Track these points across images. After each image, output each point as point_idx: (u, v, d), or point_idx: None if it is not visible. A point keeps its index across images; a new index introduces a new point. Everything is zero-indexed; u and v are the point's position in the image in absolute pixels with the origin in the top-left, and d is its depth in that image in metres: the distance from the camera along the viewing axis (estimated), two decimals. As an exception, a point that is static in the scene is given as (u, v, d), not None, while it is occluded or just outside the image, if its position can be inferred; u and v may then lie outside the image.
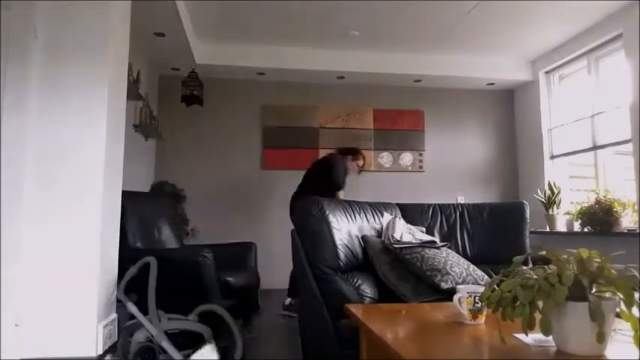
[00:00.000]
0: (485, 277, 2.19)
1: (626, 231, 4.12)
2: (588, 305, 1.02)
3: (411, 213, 2.67)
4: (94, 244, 2.61)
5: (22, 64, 2.60)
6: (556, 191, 4.99)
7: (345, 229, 2.22)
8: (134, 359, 2.39)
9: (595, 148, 4.80)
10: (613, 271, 1.09)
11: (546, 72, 5.54)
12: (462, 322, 1.44)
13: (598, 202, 4.32)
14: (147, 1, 3.59)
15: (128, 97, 3.40)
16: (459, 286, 1.50)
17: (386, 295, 2.13)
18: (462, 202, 4.98)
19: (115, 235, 2.93)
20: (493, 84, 5.87)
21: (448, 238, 2.62)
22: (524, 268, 1.19)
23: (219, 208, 5.44)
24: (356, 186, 5.61)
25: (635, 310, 1.02)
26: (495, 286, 1.18)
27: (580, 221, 4.51)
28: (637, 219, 4.19)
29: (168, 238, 3.63)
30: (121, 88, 3.07)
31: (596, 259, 1.12)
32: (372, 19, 4.54)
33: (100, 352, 2.57)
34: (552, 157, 5.45)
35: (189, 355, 2.59)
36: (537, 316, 1.07)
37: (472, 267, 2.24)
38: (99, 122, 2.68)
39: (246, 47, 5.16)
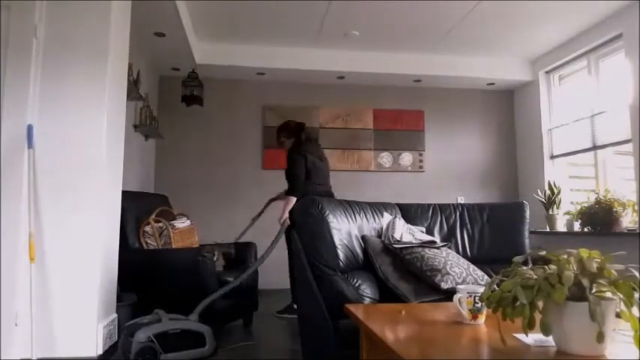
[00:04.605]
0: (485, 277, 2.19)
1: (626, 231, 4.12)
2: (588, 305, 1.02)
3: (411, 213, 2.66)
4: (94, 245, 2.61)
5: (22, 64, 2.60)
6: (556, 191, 4.99)
7: (345, 229, 2.22)
8: (135, 359, 2.40)
9: (595, 148, 4.80)
10: (613, 271, 1.09)
11: (546, 72, 5.54)
12: (462, 322, 1.44)
13: (598, 202, 4.32)
14: (147, 1, 3.60)
15: (128, 97, 3.41)
16: (459, 286, 1.50)
17: (386, 295, 2.13)
18: (462, 202, 4.99)
19: (115, 235, 2.93)
20: (493, 84, 5.87)
21: (448, 238, 2.62)
22: (524, 268, 1.19)
23: (220, 208, 5.45)
24: (356, 186, 5.62)
25: (635, 310, 1.02)
26: (495, 286, 1.18)
27: (580, 221, 4.51)
28: (637, 219, 4.19)
29: (168, 238, 3.63)
30: (121, 88, 3.07)
31: (596, 259, 1.12)
32: (372, 19, 4.54)
33: (100, 352, 2.58)
34: (552, 157, 5.45)
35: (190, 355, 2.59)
36: (537, 316, 1.07)
37: (472, 267, 2.24)
38: (99, 122, 2.68)
39: (246, 47, 5.16)
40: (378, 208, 2.55)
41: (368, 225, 2.40)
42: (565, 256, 1.14)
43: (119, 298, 2.90)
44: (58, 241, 2.55)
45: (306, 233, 2.15)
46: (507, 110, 6.12)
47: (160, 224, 3.41)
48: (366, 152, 5.80)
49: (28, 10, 2.62)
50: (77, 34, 2.70)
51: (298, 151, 3.98)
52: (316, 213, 2.14)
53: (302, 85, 5.76)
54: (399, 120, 5.90)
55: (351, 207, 2.40)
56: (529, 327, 1.07)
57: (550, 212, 4.96)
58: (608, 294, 1.07)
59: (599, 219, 4.25)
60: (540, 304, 1.07)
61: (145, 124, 4.56)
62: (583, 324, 1.03)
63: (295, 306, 4.01)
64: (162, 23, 4.11)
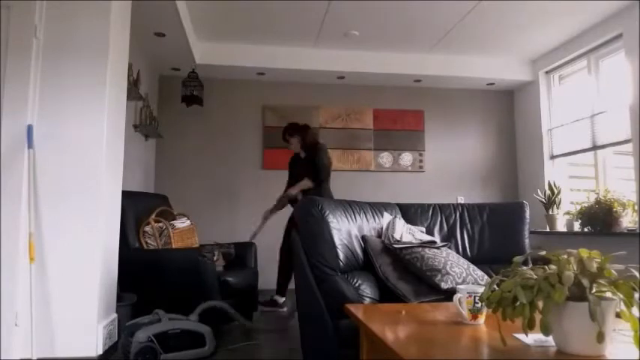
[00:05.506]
0: (485, 277, 2.19)
1: (626, 231, 4.12)
2: (588, 305, 1.02)
3: (411, 213, 2.66)
4: (94, 245, 2.61)
5: (22, 64, 2.60)
6: (556, 191, 4.99)
7: (345, 229, 2.22)
8: (135, 359, 2.40)
9: (595, 148, 4.80)
10: (613, 271, 1.09)
11: (546, 72, 5.54)
12: (462, 322, 1.44)
13: (598, 202, 4.32)
14: (147, 1, 3.60)
15: (128, 97, 3.41)
16: (459, 286, 1.50)
17: (386, 295, 2.13)
18: (462, 202, 4.99)
19: (116, 235, 2.93)
20: (493, 84, 5.87)
21: (448, 238, 2.62)
22: (524, 268, 1.19)
23: (220, 208, 5.45)
24: (356, 186, 5.62)
25: (635, 310, 1.02)
26: (495, 286, 1.18)
27: (580, 221, 4.51)
28: (637, 219, 4.19)
29: (168, 238, 3.63)
30: (121, 88, 3.07)
31: (596, 259, 1.12)
32: (372, 19, 4.54)
33: (100, 352, 2.58)
34: (552, 157, 5.45)
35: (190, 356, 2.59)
36: (537, 316, 1.07)
37: (472, 267, 2.24)
38: (99, 122, 2.68)
39: (246, 47, 5.16)
40: (378, 208, 2.55)
41: (368, 225, 2.40)
42: (565, 256, 1.14)
43: (119, 298, 2.90)
44: (58, 241, 2.55)
45: (306, 233, 2.15)
46: (507, 110, 6.12)
47: (160, 224, 3.41)
48: (366, 152, 5.80)
49: (28, 10, 2.62)
50: (77, 34, 2.70)
51: (322, 144, 4.28)
52: (316, 213, 2.14)
53: (302, 85, 5.76)
54: (399, 120, 5.90)
55: (351, 207, 2.40)
56: (529, 327, 1.07)
57: (550, 212, 4.96)
58: (608, 294, 1.07)
59: (599, 219, 4.25)
60: (540, 304, 1.07)
61: (145, 124, 4.56)
62: (583, 324, 1.03)
63: (279, 299, 4.07)
64: (162, 23, 4.11)
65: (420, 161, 5.89)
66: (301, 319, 2.37)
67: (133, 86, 4.04)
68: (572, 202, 5.05)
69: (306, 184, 4.09)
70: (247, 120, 5.65)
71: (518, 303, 1.08)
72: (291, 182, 4.27)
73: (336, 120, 5.79)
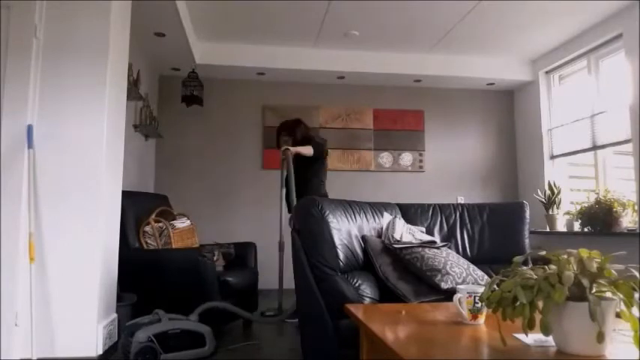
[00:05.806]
0: (485, 277, 2.19)
1: (626, 231, 4.12)
2: (588, 305, 1.02)
3: (411, 213, 2.66)
4: (94, 245, 2.61)
5: (22, 64, 2.60)
6: (556, 191, 4.99)
7: (345, 229, 2.22)
8: (135, 359, 2.40)
9: (595, 148, 4.80)
10: (613, 271, 1.09)
11: (546, 72, 5.54)
12: (462, 322, 1.44)
13: (598, 202, 4.32)
14: (147, 1, 3.60)
15: (128, 97, 3.41)
16: (459, 286, 1.50)
17: (386, 295, 2.13)
18: (462, 202, 4.98)
19: (116, 235, 2.93)
20: (493, 84, 5.87)
21: (448, 239, 2.62)
22: (524, 268, 1.19)
23: (220, 208, 5.45)
24: (356, 186, 5.62)
25: (635, 310, 1.02)
26: (495, 286, 1.18)
27: (580, 221, 4.51)
28: (637, 219, 4.19)
29: (168, 238, 3.63)
30: (121, 88, 3.07)
31: (596, 259, 1.12)
32: (372, 19, 4.54)
33: (100, 352, 2.58)
34: (552, 157, 5.45)
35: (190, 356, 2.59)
36: (537, 316, 1.07)
37: (472, 267, 2.24)
38: (99, 122, 2.68)
39: (246, 47, 5.16)
40: (378, 208, 2.55)
41: (368, 225, 2.40)
42: (565, 256, 1.14)
43: (119, 298, 2.90)
44: (58, 241, 2.55)
45: (306, 233, 2.15)
46: (507, 110, 6.12)
47: (160, 224, 3.41)
48: (366, 152, 5.80)
49: (28, 10, 2.62)
50: (77, 34, 2.70)
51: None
52: (316, 213, 2.14)
53: (302, 85, 5.76)
54: (399, 120, 5.90)
55: (351, 207, 2.40)
56: (529, 327, 1.07)
57: (550, 212, 4.96)
58: (608, 294, 1.07)
59: (599, 219, 4.25)
60: (540, 304, 1.07)
61: (145, 124, 4.56)
62: (583, 324, 1.03)
63: None
64: (162, 23, 4.11)
65: (420, 161, 5.89)
66: (301, 319, 2.37)
67: (133, 86, 4.04)
68: (572, 202, 5.05)
69: (308, 149, 3.86)
70: (247, 120, 5.65)
71: (518, 303, 1.08)
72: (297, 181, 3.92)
73: (336, 120, 5.79)
